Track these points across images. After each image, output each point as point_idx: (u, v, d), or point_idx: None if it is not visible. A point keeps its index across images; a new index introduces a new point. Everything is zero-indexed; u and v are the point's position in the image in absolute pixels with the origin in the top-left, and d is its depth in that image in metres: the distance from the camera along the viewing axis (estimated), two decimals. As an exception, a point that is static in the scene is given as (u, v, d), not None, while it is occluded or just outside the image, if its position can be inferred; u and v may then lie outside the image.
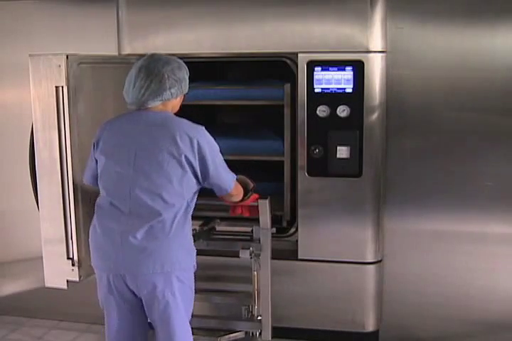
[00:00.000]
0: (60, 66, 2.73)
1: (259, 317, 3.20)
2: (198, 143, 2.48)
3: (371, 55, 3.14)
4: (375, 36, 3.13)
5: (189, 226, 2.63)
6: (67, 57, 2.74)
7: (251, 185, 2.94)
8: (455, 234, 3.32)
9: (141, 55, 3.37)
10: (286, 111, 3.36)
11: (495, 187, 3.23)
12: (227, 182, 2.66)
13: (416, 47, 3.20)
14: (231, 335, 3.28)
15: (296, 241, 3.41)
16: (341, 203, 3.28)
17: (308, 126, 3.24)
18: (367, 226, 3.29)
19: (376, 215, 3.30)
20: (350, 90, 3.17)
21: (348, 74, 3.15)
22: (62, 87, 2.74)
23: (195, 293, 2.72)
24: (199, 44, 3.32)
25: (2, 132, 3.78)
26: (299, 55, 3.20)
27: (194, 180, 2.54)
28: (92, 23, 3.47)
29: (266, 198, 3.06)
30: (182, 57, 3.41)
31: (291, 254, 3.41)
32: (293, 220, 3.46)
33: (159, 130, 2.50)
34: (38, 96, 2.79)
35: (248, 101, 3.52)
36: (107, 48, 3.38)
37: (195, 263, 2.67)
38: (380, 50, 3.16)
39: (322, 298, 3.40)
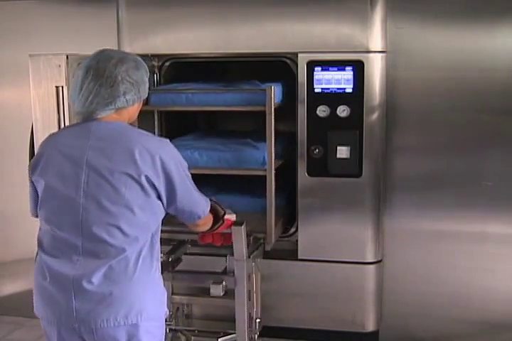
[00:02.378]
0: (60, 66, 2.73)
1: (257, 320, 3.17)
2: (162, 160, 2.02)
3: (371, 55, 3.14)
4: (375, 36, 3.13)
5: (157, 264, 2.13)
6: (67, 57, 2.75)
7: (222, 212, 2.50)
8: (455, 234, 3.32)
9: (142, 55, 3.40)
10: (269, 119, 2.93)
11: (495, 187, 3.23)
12: (200, 206, 2.24)
13: (416, 48, 3.20)
14: (229, 336, 3.27)
15: (296, 241, 3.40)
16: (341, 203, 3.28)
17: (308, 126, 3.24)
18: (367, 226, 3.29)
19: (376, 215, 3.30)
20: (350, 90, 3.17)
21: (348, 74, 3.15)
22: (62, 87, 2.74)
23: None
24: (199, 44, 3.32)
25: (2, 132, 3.78)
26: (299, 55, 3.20)
27: (160, 206, 2.08)
28: (92, 23, 3.47)
29: (241, 224, 2.67)
30: (182, 57, 3.46)
31: (291, 254, 3.41)
32: (293, 220, 3.46)
33: (113, 145, 2.02)
34: (38, 96, 2.79)
35: (224, 107, 3.16)
36: (107, 48, 3.38)
37: (166, 308, 2.18)
38: (380, 50, 3.16)
39: (322, 298, 3.40)
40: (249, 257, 2.89)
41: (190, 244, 3.17)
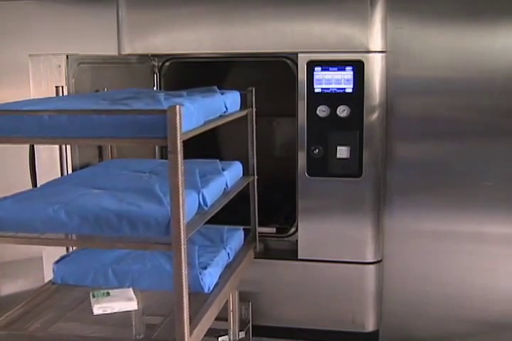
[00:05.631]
0: (60, 66, 2.73)
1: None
2: None
3: (371, 55, 3.14)
4: (375, 36, 3.13)
5: None
6: (67, 57, 2.74)
7: None
8: (455, 234, 3.32)
9: (141, 55, 3.42)
10: (173, 159, 1.80)
11: (495, 187, 3.23)
12: None
13: (416, 47, 3.20)
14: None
15: (296, 241, 3.41)
16: (341, 203, 3.28)
17: (308, 126, 3.24)
18: (367, 226, 3.29)
19: (376, 215, 3.30)
20: (350, 90, 3.17)
21: (348, 74, 3.15)
22: (62, 87, 2.74)
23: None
24: (199, 44, 3.32)
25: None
26: (299, 55, 3.20)
27: None
28: (92, 23, 3.47)
29: None
30: (182, 57, 3.45)
31: (291, 254, 3.41)
32: (293, 220, 3.46)
33: None
34: (38, 96, 2.79)
35: (97, 140, 2.01)
36: (107, 48, 3.38)
37: None
38: (380, 50, 3.16)
39: (322, 298, 3.40)
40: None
41: None
